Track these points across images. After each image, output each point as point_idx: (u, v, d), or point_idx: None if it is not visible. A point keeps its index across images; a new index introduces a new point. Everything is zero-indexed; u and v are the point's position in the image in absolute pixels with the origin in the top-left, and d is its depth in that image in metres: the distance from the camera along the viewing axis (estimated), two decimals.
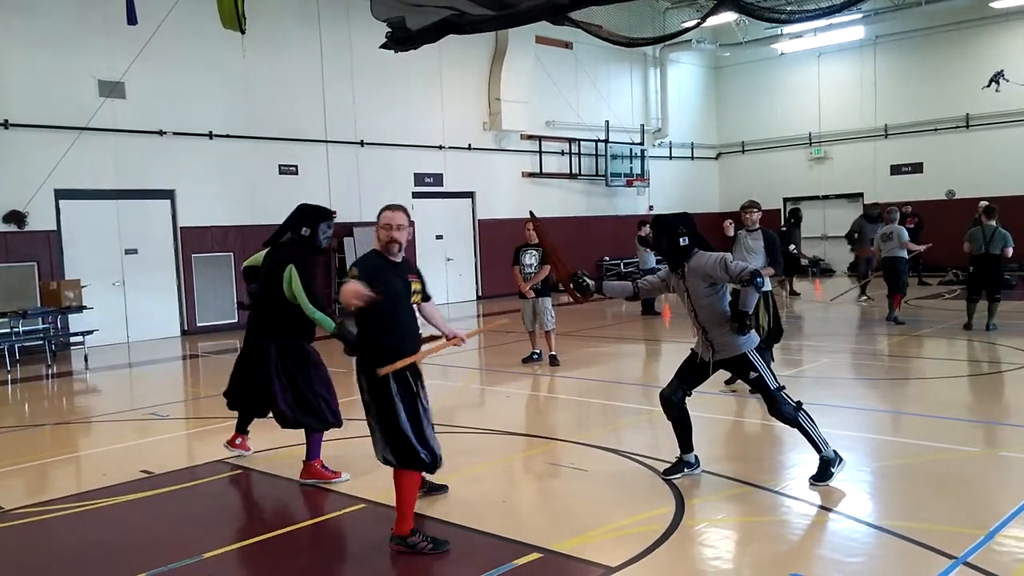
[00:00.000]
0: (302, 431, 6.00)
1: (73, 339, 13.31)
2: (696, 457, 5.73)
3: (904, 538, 4.49)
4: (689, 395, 5.66)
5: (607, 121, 22.77)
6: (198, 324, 15.31)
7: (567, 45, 21.62)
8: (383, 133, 18.13)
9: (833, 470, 5.39)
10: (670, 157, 25.35)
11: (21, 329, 12.60)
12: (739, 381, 8.52)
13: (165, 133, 14.98)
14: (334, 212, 6.34)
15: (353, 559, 4.77)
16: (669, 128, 25.00)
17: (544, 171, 21.56)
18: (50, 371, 12.10)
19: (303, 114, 16.87)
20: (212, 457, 6.65)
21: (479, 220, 20.28)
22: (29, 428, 8.63)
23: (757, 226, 8.41)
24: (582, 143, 22.30)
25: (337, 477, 5.92)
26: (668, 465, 5.74)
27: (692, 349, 5.69)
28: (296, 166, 16.83)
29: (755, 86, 25.85)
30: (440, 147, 19.28)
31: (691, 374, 5.64)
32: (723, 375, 7.92)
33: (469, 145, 19.87)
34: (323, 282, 17.29)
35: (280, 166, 16.62)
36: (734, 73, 26.34)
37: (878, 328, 13.08)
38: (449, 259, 19.82)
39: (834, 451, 5.47)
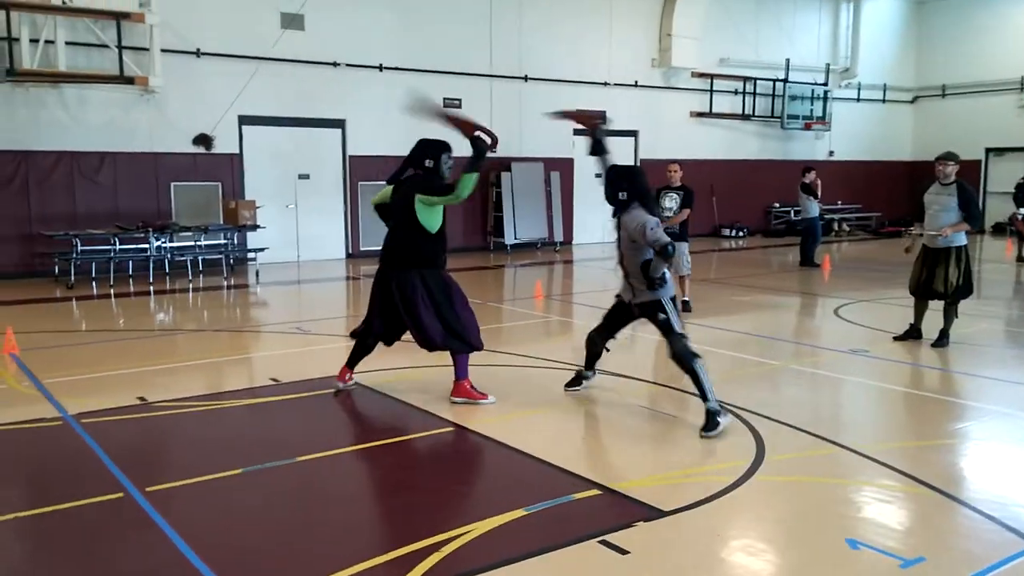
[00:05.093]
0: (439, 356, 6.39)
1: (249, 255, 14.50)
2: (595, 371, 6.56)
3: (982, 513, 4.23)
4: (614, 338, 6.36)
5: (787, 59, 21.55)
6: (362, 248, 16.18)
7: None
8: (548, 68, 18.09)
9: (720, 420, 5.50)
10: (857, 100, 23.70)
11: (203, 243, 13.90)
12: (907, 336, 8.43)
13: (339, 64, 15.73)
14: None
15: (429, 475, 5.05)
16: (859, 68, 23.29)
17: (714, 111, 20.82)
18: (226, 283, 13.29)
19: (469, 47, 17.14)
20: (336, 372, 6.94)
21: (641, 160, 19.95)
22: (189, 332, 9.61)
23: (952, 179, 7.96)
24: (758, 82, 21.29)
25: (484, 399, 6.21)
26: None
27: (616, 295, 6.29)
28: (460, 100, 17.17)
29: (963, 23, 23.52)
30: (605, 83, 19.03)
31: (615, 317, 6.29)
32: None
33: (636, 82, 19.47)
34: (480, 215, 17.75)
35: (444, 99, 17.02)
36: (940, 9, 24.07)
37: None
38: None
39: (719, 403, 5.62)
